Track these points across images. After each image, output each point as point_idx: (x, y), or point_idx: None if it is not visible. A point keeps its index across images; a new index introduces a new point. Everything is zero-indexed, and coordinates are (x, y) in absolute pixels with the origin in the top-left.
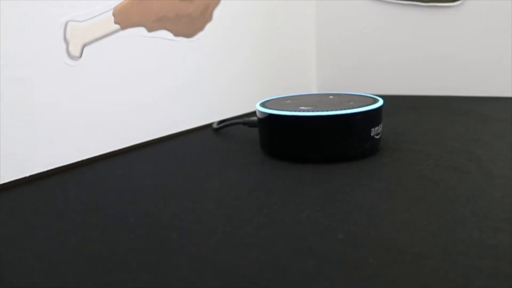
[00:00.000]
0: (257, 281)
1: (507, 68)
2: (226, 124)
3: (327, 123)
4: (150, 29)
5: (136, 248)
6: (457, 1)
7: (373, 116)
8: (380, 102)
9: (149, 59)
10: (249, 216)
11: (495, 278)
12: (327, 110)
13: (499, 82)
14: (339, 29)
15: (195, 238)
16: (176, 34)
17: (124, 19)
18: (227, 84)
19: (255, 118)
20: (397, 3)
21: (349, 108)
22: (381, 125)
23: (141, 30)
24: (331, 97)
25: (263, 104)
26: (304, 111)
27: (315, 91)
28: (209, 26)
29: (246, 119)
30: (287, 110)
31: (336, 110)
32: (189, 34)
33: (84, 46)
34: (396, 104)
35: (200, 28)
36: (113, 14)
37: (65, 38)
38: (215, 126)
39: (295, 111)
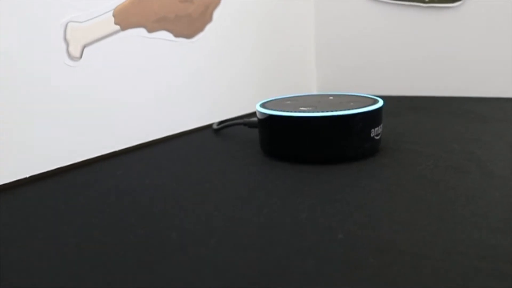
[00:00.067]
0: (257, 281)
1: (507, 68)
2: (226, 125)
3: (327, 124)
4: (150, 30)
5: (136, 248)
6: (457, 1)
7: (373, 117)
8: (380, 102)
9: (149, 60)
10: (249, 216)
11: (494, 278)
12: (327, 111)
13: (499, 82)
14: (339, 30)
15: (195, 238)
16: (176, 34)
17: (124, 19)
18: (227, 85)
19: (255, 119)
20: (397, 4)
21: (349, 109)
22: (381, 125)
23: (141, 31)
24: (331, 97)
25: (263, 105)
26: (304, 111)
27: (315, 92)
28: (209, 27)
29: (246, 119)
30: (287, 111)
31: (336, 110)
32: (189, 35)
33: (84, 46)
34: (396, 104)
35: (200, 28)
36: (113, 15)
37: (65, 39)
38: (215, 126)
39: (295, 111)
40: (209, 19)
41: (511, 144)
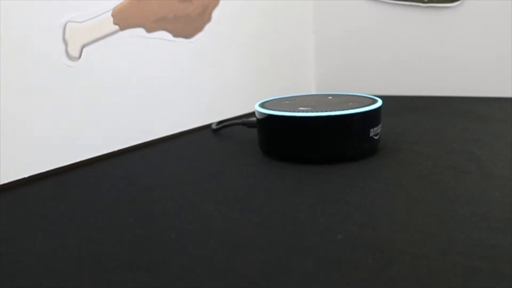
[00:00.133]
0: (257, 281)
1: (507, 68)
2: (225, 125)
3: (326, 124)
4: (149, 30)
5: (136, 248)
6: (456, 1)
7: (372, 117)
8: (379, 102)
9: (148, 60)
10: (248, 216)
11: (494, 278)
12: (326, 111)
13: (499, 82)
14: (338, 30)
15: (194, 238)
16: (175, 34)
17: (123, 20)
18: (226, 85)
19: (254, 119)
20: (396, 4)
21: (348, 109)
22: (380, 125)
23: (140, 31)
24: (330, 97)
25: (262, 105)
26: (303, 111)
27: (314, 92)
28: (208, 27)
29: (245, 119)
30: (286, 111)
31: (335, 110)
32: (188, 35)
33: (83, 47)
34: (396, 104)
35: (199, 28)
36: (112, 15)
37: (64, 39)
38: (214, 126)
39: (294, 111)
40: (208, 19)
41: (511, 144)
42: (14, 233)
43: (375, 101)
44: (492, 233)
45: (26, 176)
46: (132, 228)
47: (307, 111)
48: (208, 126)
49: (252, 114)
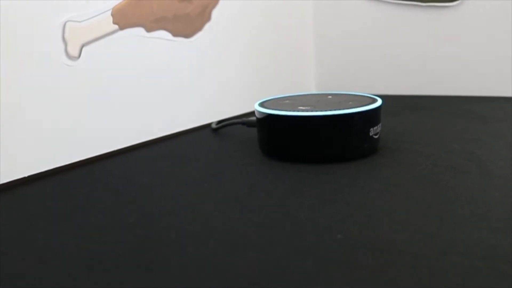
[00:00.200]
0: (257, 281)
1: (507, 68)
2: (224, 124)
3: (326, 123)
4: (148, 29)
5: (136, 248)
6: (455, 0)
7: (371, 116)
8: (379, 102)
9: (148, 59)
10: (248, 216)
11: (494, 278)
12: (326, 110)
13: (499, 82)
14: (338, 29)
15: (194, 238)
16: (175, 34)
17: (123, 19)
18: (226, 84)
19: (253, 118)
20: (396, 3)
21: (348, 108)
22: (379, 125)
23: (140, 30)
24: (330, 97)
25: (262, 104)
26: (303, 111)
27: (314, 91)
28: (207, 26)
29: (245, 119)
30: (286, 110)
31: (334, 110)
32: (187, 34)
33: (82, 46)
34: (396, 104)
35: (199, 28)
36: (112, 15)
37: (63, 38)
38: (213, 126)
39: (294, 111)
40: (207, 18)
41: (511, 144)
42: (14, 233)
43: (375, 101)
44: (492, 233)
45: (26, 175)
46: (132, 228)
47: (307, 111)
48: (208, 125)
49: (252, 113)
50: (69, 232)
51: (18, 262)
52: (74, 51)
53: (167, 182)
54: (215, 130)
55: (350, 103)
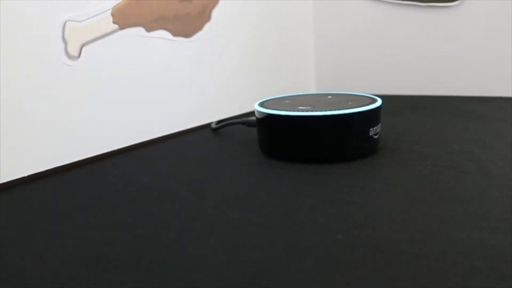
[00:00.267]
0: (257, 281)
1: (507, 68)
2: (224, 124)
3: (325, 123)
4: (148, 29)
5: (136, 248)
6: (455, 1)
7: (371, 116)
8: (379, 102)
9: (148, 59)
10: (248, 216)
11: (494, 278)
12: (325, 110)
13: (499, 82)
14: (338, 29)
15: (194, 238)
16: (175, 34)
17: (123, 19)
18: (226, 84)
19: (253, 118)
20: (396, 3)
21: (348, 108)
22: (379, 125)
23: (140, 30)
24: (329, 97)
25: (261, 104)
26: (302, 111)
27: (313, 91)
28: (207, 26)
29: (245, 119)
30: (285, 110)
31: (334, 110)
32: (187, 34)
33: (82, 46)
34: (396, 104)
35: (199, 28)
36: (112, 14)
37: (63, 38)
38: (213, 126)
39: (294, 111)
40: (207, 18)
41: (511, 144)
42: (14, 233)
43: (374, 101)
44: (492, 233)
45: (26, 175)
46: (132, 228)
47: (306, 111)
48: (208, 125)
49: (252, 113)
50: (69, 232)
51: (18, 262)
52: (74, 51)
53: (167, 182)
54: (215, 130)
55: (350, 103)
